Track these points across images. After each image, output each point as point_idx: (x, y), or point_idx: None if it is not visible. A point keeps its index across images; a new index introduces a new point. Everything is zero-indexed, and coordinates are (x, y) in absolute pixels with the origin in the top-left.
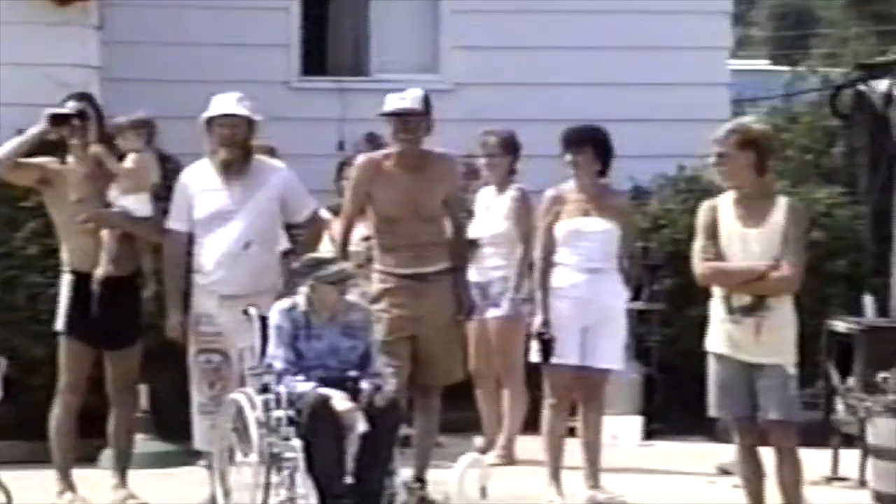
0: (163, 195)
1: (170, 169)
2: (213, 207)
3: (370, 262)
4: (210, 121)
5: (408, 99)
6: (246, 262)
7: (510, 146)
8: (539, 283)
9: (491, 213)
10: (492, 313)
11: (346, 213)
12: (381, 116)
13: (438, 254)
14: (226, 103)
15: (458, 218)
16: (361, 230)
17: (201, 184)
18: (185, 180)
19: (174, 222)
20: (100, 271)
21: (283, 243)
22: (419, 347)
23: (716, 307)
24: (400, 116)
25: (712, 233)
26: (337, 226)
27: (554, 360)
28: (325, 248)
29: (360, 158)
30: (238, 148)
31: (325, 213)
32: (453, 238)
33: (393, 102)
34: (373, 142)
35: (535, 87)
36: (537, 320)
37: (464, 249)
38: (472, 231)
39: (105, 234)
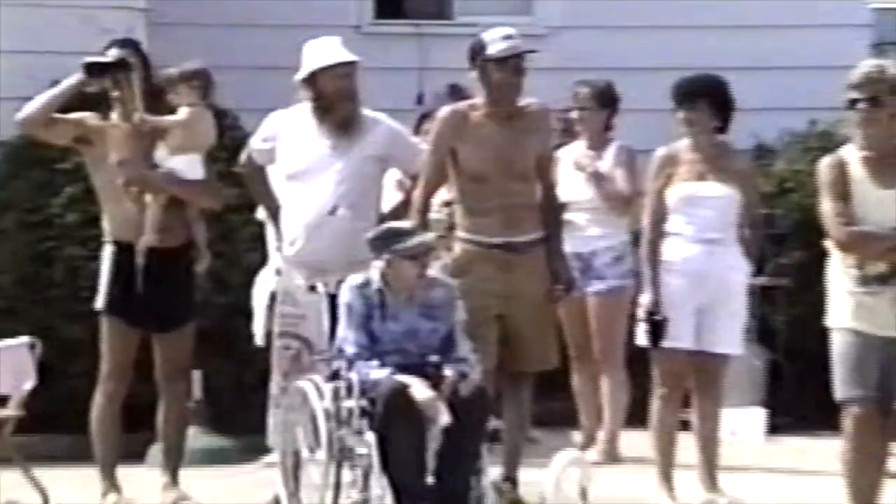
0: (219, 156)
1: (227, 126)
2: (300, 163)
3: (451, 230)
4: (313, 74)
5: (516, 37)
6: (332, 229)
7: (606, 98)
8: (648, 255)
9: (593, 170)
10: (593, 288)
11: (426, 175)
12: (485, 62)
13: (532, 220)
14: (336, 50)
15: (550, 179)
16: (442, 194)
17: (294, 131)
18: (279, 120)
19: (255, 144)
20: (144, 241)
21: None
22: (509, 329)
23: (840, 277)
24: (513, 60)
25: (843, 193)
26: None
27: (665, 343)
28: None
29: (443, 110)
30: (353, 101)
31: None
32: (545, 202)
33: (500, 43)
34: (456, 94)
35: (641, 32)
36: (646, 298)
37: (558, 215)
38: (561, 194)
39: (150, 199)
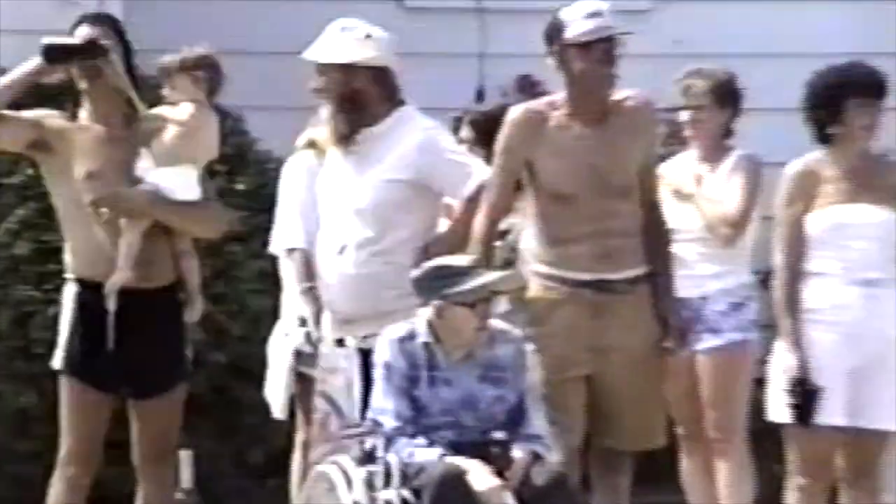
0: (218, 169)
1: (228, 130)
2: (321, 194)
3: (509, 264)
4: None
5: (605, 14)
6: (342, 273)
7: (726, 94)
8: (785, 302)
9: (697, 192)
10: (705, 344)
11: (492, 194)
12: (564, 48)
13: (632, 251)
14: (324, 43)
15: (656, 196)
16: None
17: (329, 156)
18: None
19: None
20: (117, 280)
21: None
22: (601, 394)
23: None
24: (600, 44)
25: None
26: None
27: (814, 420)
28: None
29: (515, 111)
30: (351, 109)
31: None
32: (651, 226)
33: (583, 22)
34: (528, 88)
35: (772, 7)
36: (789, 360)
37: (668, 243)
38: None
39: (127, 224)
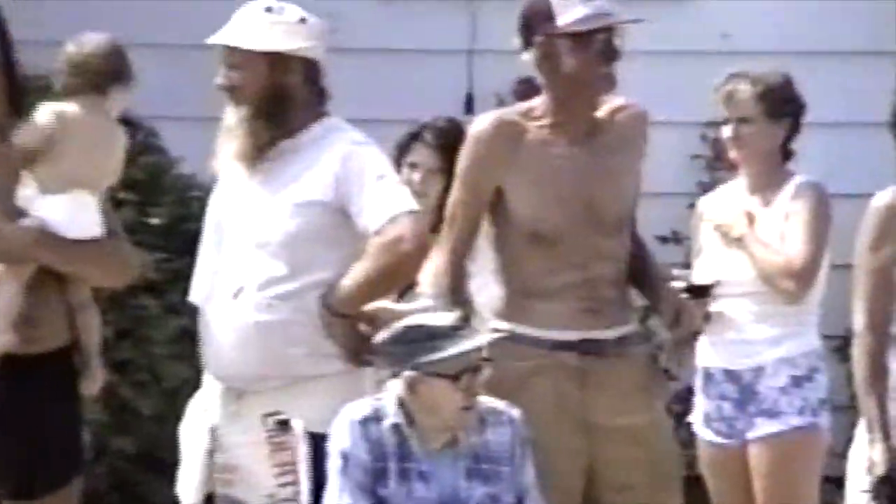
0: (125, 198)
1: (139, 147)
2: (212, 221)
3: (466, 321)
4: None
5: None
6: (241, 322)
7: (780, 102)
8: (869, 376)
9: (749, 235)
10: (762, 430)
11: (454, 229)
12: (550, 39)
13: (622, 304)
14: (242, 25)
15: (635, 227)
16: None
17: (223, 174)
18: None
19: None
20: None
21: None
22: (602, 489)
23: None
24: (600, 35)
25: None
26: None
27: None
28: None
29: (481, 122)
30: (274, 112)
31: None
32: (640, 262)
33: (577, 7)
34: (529, 93)
35: None
36: (874, 452)
37: (659, 283)
38: (701, 272)
39: (3, 272)
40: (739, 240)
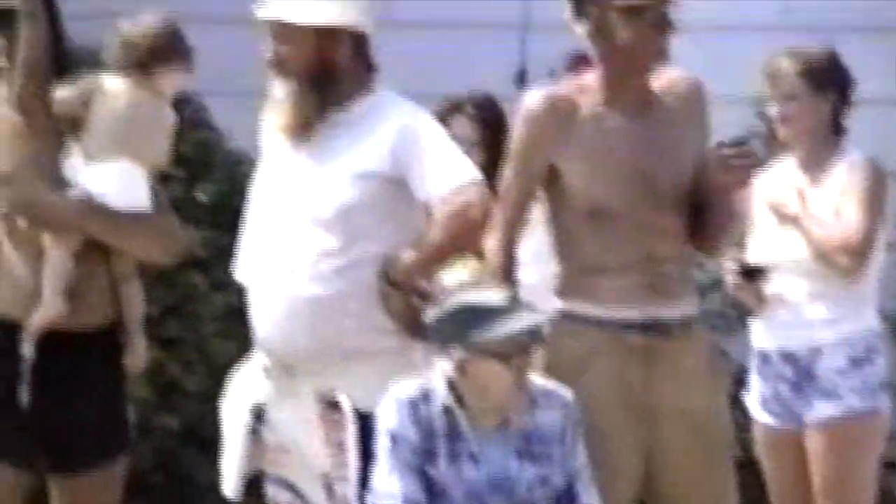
0: (174, 173)
1: (187, 123)
2: (258, 196)
3: (516, 299)
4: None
5: None
6: (296, 295)
7: (825, 78)
8: None
9: (803, 212)
10: (819, 412)
11: (506, 207)
12: (603, 11)
13: (685, 281)
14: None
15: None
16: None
17: (267, 149)
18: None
19: None
20: (40, 318)
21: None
22: (656, 470)
23: None
24: (653, 7)
25: None
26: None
27: None
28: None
29: (531, 97)
30: (323, 86)
31: (475, 193)
32: (716, 230)
33: None
34: (583, 69)
35: None
36: None
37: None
38: (756, 251)
39: (51, 242)
40: (794, 218)
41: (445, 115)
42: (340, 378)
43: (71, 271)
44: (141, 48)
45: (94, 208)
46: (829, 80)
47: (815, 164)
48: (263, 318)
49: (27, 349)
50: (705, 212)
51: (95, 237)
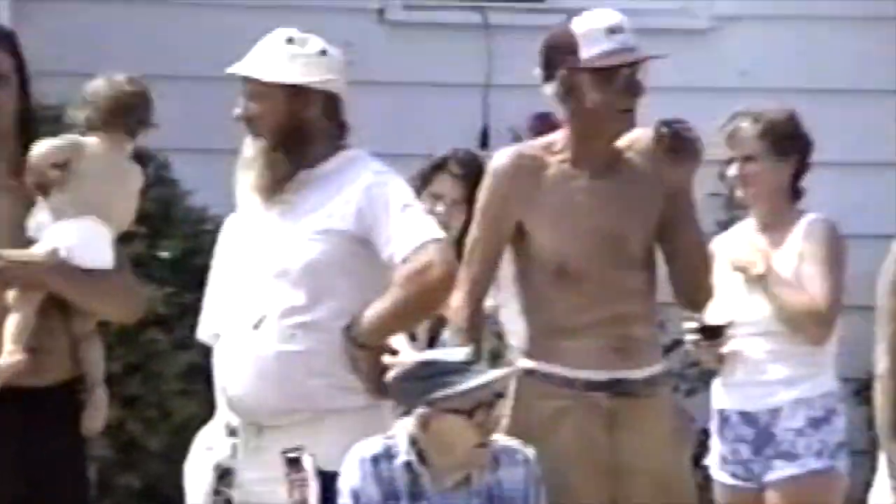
0: (136, 230)
1: (150, 179)
2: (231, 253)
3: (496, 358)
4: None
5: (627, 30)
6: (262, 353)
7: (785, 139)
8: (891, 422)
9: (770, 275)
10: (778, 473)
11: (473, 265)
12: (573, 73)
13: (651, 342)
14: (262, 56)
15: (699, 249)
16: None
17: (240, 205)
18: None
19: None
20: (3, 368)
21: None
22: None
23: None
24: (624, 71)
25: None
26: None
27: None
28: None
29: (501, 156)
30: (294, 146)
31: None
32: (690, 287)
33: (602, 40)
34: (547, 132)
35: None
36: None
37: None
38: (715, 311)
39: (15, 298)
40: (760, 279)
41: (428, 174)
42: (309, 436)
43: (31, 327)
44: (123, 107)
45: (61, 266)
46: (790, 141)
47: (775, 225)
48: (231, 375)
49: None
50: (679, 259)
51: (60, 294)
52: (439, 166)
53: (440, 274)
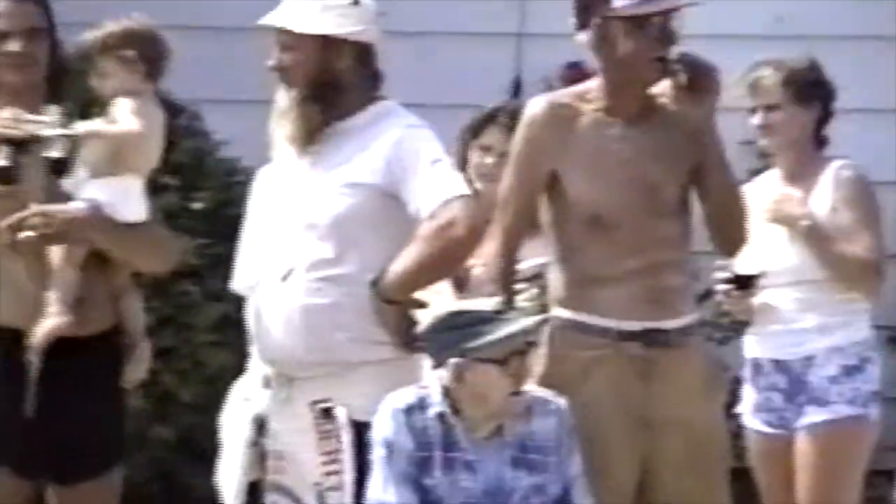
0: (168, 182)
1: (181, 131)
2: (263, 204)
3: (543, 309)
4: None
5: None
6: (286, 306)
7: (806, 88)
8: None
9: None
10: (810, 418)
11: (505, 216)
12: (606, 21)
13: (685, 291)
14: (294, 6)
15: (730, 190)
16: (536, 253)
17: (275, 156)
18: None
19: None
20: (49, 329)
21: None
22: (655, 482)
23: None
24: (657, 19)
25: None
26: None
27: None
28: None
29: (534, 104)
30: (326, 96)
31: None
32: (724, 230)
33: None
34: (576, 78)
35: None
36: None
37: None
38: (746, 261)
39: (60, 255)
40: (809, 231)
41: (479, 126)
42: (338, 388)
43: (77, 282)
44: (115, 41)
45: (101, 220)
46: (812, 89)
47: (801, 175)
48: (261, 326)
49: (33, 358)
50: (711, 201)
51: (101, 247)
52: (490, 118)
53: (464, 230)
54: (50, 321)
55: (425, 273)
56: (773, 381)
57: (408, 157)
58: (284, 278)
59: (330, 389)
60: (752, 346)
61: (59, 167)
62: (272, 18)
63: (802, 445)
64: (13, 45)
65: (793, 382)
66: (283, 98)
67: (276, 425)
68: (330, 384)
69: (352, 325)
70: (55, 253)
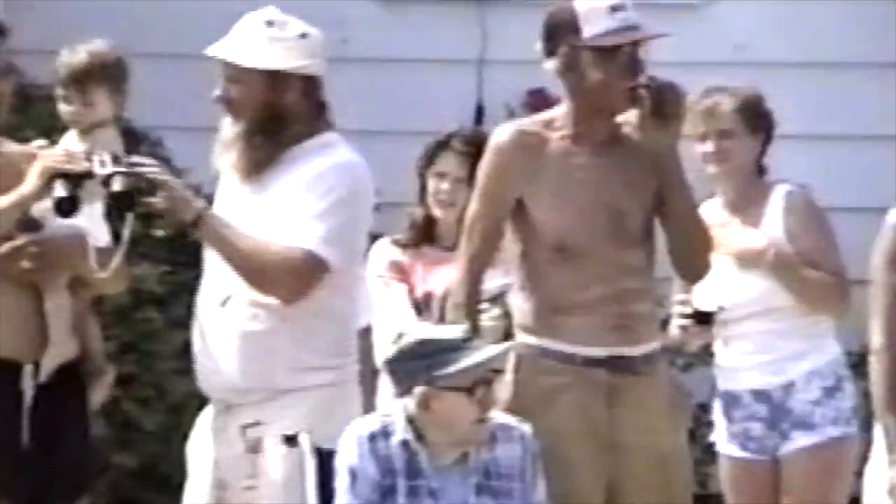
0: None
1: (144, 155)
2: None
3: (508, 336)
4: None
5: (629, 8)
6: (229, 331)
7: (757, 116)
8: (887, 397)
9: (776, 254)
10: (799, 443)
11: (472, 242)
12: (576, 51)
13: (649, 319)
14: (241, 39)
15: (691, 215)
16: (497, 277)
17: (220, 184)
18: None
19: None
20: (55, 356)
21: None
22: (618, 503)
23: None
24: (626, 49)
25: None
26: (452, 271)
27: None
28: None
29: (501, 132)
30: (273, 129)
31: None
32: (686, 255)
33: (604, 18)
34: (539, 106)
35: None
36: (891, 476)
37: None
38: (704, 296)
39: (48, 282)
40: (778, 262)
41: (433, 153)
42: (269, 413)
43: (71, 307)
44: (79, 67)
45: (86, 244)
46: (761, 118)
47: (744, 202)
48: (201, 352)
49: (27, 388)
50: (673, 227)
51: (81, 273)
52: (444, 144)
53: (289, 285)
54: (55, 349)
55: (233, 260)
56: (753, 412)
57: (315, 189)
58: (223, 303)
59: (262, 413)
60: (726, 378)
61: (123, 201)
62: (218, 50)
63: (792, 469)
64: None
65: (774, 410)
66: (228, 128)
67: (215, 453)
68: (261, 408)
69: (287, 352)
70: (46, 281)
